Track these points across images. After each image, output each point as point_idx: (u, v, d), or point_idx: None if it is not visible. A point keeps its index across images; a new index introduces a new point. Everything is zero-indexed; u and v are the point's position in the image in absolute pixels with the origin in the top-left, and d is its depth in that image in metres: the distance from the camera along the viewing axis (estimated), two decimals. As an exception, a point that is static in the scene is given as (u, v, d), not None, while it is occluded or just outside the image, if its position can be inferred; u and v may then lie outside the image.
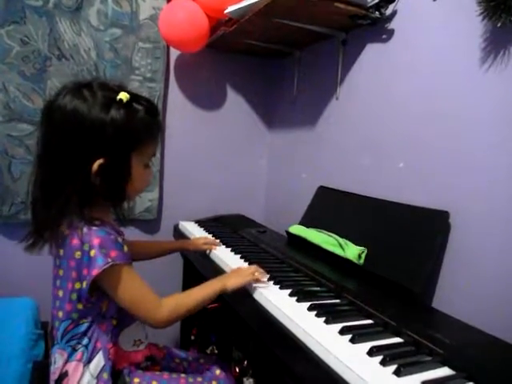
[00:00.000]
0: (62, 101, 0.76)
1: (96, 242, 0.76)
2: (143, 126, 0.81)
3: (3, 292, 1.43)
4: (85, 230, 0.77)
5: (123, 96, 0.78)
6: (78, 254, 0.77)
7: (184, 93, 1.77)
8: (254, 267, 0.97)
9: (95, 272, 0.75)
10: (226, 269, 1.10)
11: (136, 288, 0.80)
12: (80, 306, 0.80)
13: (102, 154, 0.76)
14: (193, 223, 1.67)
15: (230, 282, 0.91)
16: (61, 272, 0.82)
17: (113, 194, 0.81)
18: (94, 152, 0.76)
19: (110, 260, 0.75)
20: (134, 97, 0.81)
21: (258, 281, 0.93)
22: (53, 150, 0.77)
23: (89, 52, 1.53)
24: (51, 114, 0.77)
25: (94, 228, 0.78)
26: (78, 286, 0.78)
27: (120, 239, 0.81)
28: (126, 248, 0.81)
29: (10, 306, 1.33)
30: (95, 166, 0.76)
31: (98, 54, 1.55)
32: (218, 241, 1.30)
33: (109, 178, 0.78)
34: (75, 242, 0.77)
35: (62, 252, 0.80)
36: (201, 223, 1.65)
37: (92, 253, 0.75)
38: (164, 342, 1.10)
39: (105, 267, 0.75)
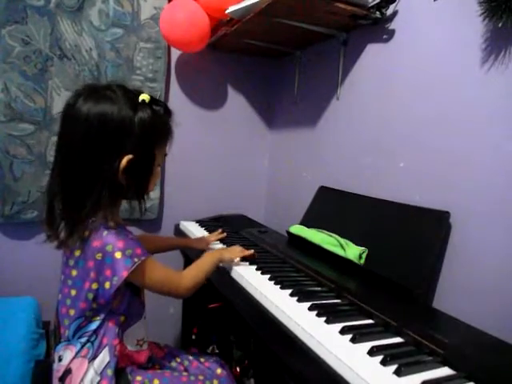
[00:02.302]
0: (85, 104, 0.79)
1: (120, 244, 0.79)
2: (164, 124, 0.88)
3: (5, 291, 1.44)
4: (105, 232, 0.80)
5: (145, 97, 0.84)
6: (98, 256, 0.79)
7: (185, 93, 1.77)
8: (239, 247, 1.12)
9: (125, 273, 0.79)
10: (228, 268, 1.10)
11: (162, 272, 0.88)
12: (95, 305, 0.82)
13: (130, 150, 0.80)
14: (194, 223, 1.67)
15: (225, 255, 1.06)
16: (74, 272, 0.84)
17: (138, 190, 0.86)
18: (123, 149, 0.80)
19: (136, 259, 0.80)
20: (153, 99, 0.86)
21: (245, 254, 1.09)
22: (81, 152, 0.79)
23: (90, 52, 1.54)
24: (74, 117, 0.79)
25: (114, 230, 0.81)
26: (95, 286, 0.81)
27: (135, 237, 0.85)
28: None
29: (11, 305, 1.33)
30: (124, 161, 0.80)
31: (100, 54, 1.55)
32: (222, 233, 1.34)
33: (136, 174, 0.83)
34: (96, 243, 0.79)
35: (78, 253, 0.82)
36: (202, 223, 1.65)
37: (117, 255, 0.79)
38: (165, 342, 1.10)
39: (134, 267, 0.79)
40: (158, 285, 0.87)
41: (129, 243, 0.81)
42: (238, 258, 1.09)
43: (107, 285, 0.79)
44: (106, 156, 0.79)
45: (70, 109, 0.81)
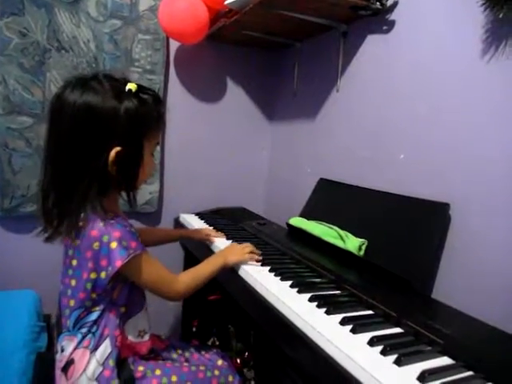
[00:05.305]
0: (71, 95, 0.78)
1: (116, 234, 0.80)
2: (152, 113, 0.86)
3: (6, 285, 1.44)
4: (102, 222, 0.80)
5: (132, 86, 0.82)
6: (96, 245, 0.79)
7: (184, 85, 1.76)
8: (249, 246, 1.06)
9: (119, 263, 0.79)
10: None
11: (156, 271, 0.87)
12: (94, 295, 0.83)
13: (118, 141, 0.79)
14: (193, 215, 1.67)
15: (230, 259, 1.01)
16: (74, 262, 0.84)
17: (128, 181, 0.86)
18: (111, 140, 0.79)
19: (131, 251, 0.80)
20: (140, 87, 0.85)
21: (253, 259, 1.03)
22: (69, 143, 0.79)
23: (88, 44, 1.53)
24: (61, 108, 0.79)
25: (111, 221, 0.81)
26: (93, 275, 0.81)
27: (133, 229, 0.85)
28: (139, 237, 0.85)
29: (12, 298, 1.33)
30: (112, 153, 0.79)
31: (98, 46, 1.54)
32: (222, 233, 1.31)
33: (125, 166, 0.82)
34: (94, 233, 0.80)
35: (77, 243, 0.82)
36: (201, 215, 1.65)
37: (113, 245, 0.79)
38: (165, 334, 1.11)
39: (128, 258, 0.79)
40: (151, 283, 0.87)
41: (125, 235, 0.81)
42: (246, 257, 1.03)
43: (103, 275, 0.80)
44: (93, 148, 0.78)
45: (57, 100, 0.80)
